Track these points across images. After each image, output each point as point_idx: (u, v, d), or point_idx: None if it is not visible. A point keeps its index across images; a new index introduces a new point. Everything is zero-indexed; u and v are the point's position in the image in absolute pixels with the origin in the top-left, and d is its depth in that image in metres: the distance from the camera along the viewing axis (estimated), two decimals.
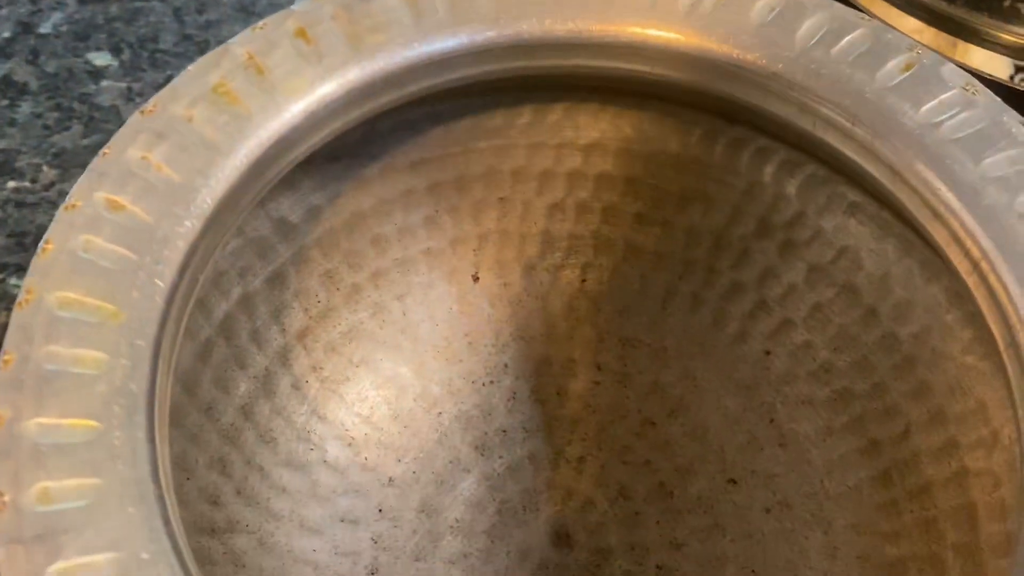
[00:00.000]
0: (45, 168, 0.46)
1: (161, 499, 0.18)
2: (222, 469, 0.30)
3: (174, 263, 0.21)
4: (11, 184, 0.45)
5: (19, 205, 0.45)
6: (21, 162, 0.46)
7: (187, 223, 0.22)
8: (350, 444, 0.34)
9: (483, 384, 0.36)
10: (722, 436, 0.34)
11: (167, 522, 0.17)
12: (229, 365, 0.31)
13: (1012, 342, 0.21)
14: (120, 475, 0.18)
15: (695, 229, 0.35)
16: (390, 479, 0.33)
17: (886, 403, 0.31)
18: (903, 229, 0.30)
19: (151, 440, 0.18)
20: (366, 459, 0.33)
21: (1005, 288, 0.21)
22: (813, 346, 0.34)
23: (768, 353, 0.35)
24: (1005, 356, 0.22)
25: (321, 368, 0.34)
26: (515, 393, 0.36)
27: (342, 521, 0.32)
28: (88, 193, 0.22)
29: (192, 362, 0.29)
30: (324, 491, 0.32)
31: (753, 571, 0.32)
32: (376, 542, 0.32)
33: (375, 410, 0.34)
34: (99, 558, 0.16)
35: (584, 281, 0.37)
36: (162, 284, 0.21)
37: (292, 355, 0.33)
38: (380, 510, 0.33)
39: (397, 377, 0.35)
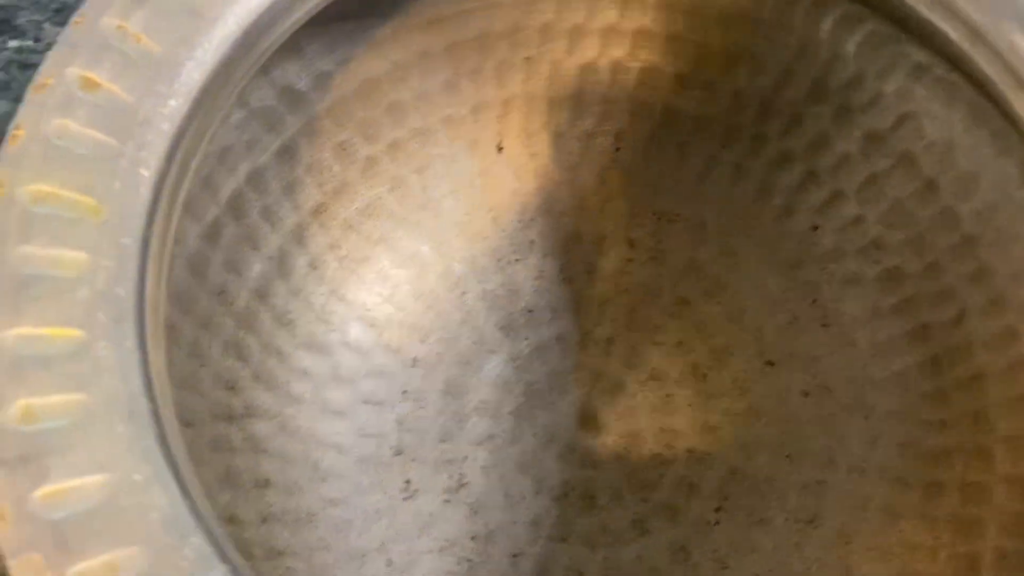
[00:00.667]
0: (47, 26, 0.43)
1: (155, 415, 0.16)
2: (238, 354, 0.29)
3: (159, 149, 0.19)
4: (12, 43, 0.43)
5: (23, 66, 0.42)
6: (21, 19, 0.43)
7: (172, 102, 0.19)
8: (372, 325, 0.32)
9: (508, 262, 0.34)
10: (761, 317, 0.32)
11: (162, 441, 0.16)
12: (240, 246, 0.29)
13: None
14: (108, 390, 0.16)
15: (741, 92, 0.32)
16: (414, 360, 0.32)
17: (940, 285, 0.29)
18: (975, 95, 0.26)
19: (141, 350, 0.17)
20: (389, 340, 0.32)
21: None
22: (864, 221, 0.31)
23: (816, 228, 0.32)
24: None
25: (339, 247, 0.32)
26: (542, 271, 0.34)
27: (365, 403, 0.31)
28: (60, 69, 0.19)
29: (200, 244, 0.27)
30: (346, 373, 0.31)
31: (788, 456, 0.30)
32: (401, 424, 0.31)
33: (396, 290, 0.33)
34: (88, 480, 0.15)
35: (618, 150, 0.34)
36: (147, 173, 0.19)
37: (307, 233, 0.31)
38: (404, 392, 0.32)
39: (418, 255, 0.33)
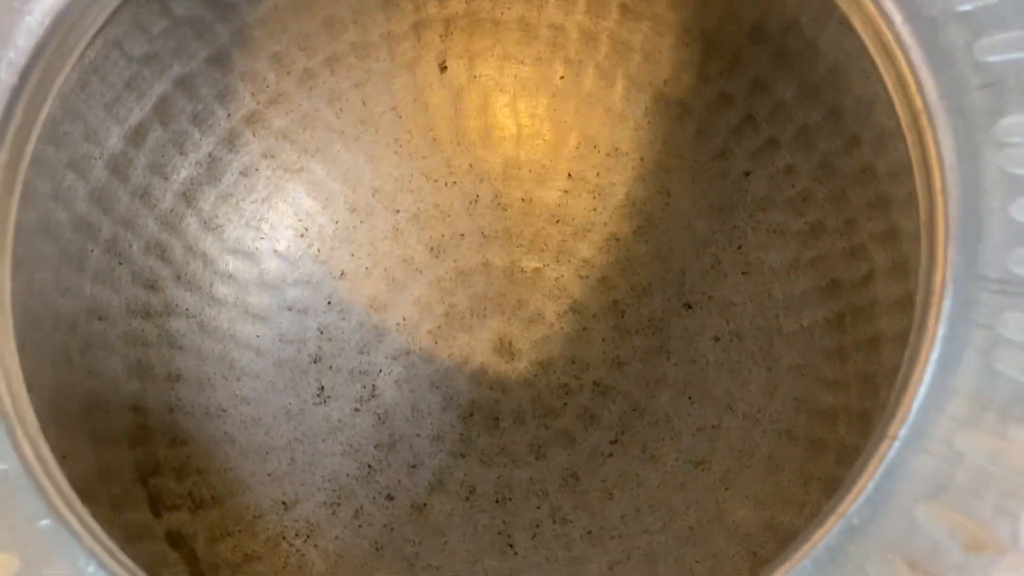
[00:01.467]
0: None
1: None
2: (160, 254, 0.30)
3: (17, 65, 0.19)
4: None
5: None
6: None
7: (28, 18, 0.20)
8: (303, 235, 0.33)
9: (445, 184, 0.34)
10: (686, 258, 0.32)
11: None
12: (167, 149, 0.30)
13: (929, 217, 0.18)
14: None
15: (687, 27, 0.31)
16: (342, 272, 0.33)
17: (854, 243, 0.28)
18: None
19: None
20: (318, 251, 0.33)
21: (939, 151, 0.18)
22: (795, 171, 0.30)
23: (748, 174, 0.31)
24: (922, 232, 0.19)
25: (273, 156, 0.32)
26: (477, 196, 0.34)
27: (289, 310, 0.32)
28: None
29: (122, 146, 0.28)
30: (273, 279, 0.32)
31: (689, 398, 0.31)
32: (322, 332, 0.32)
33: (330, 202, 0.33)
34: None
35: (562, 78, 0.34)
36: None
37: (240, 141, 0.32)
38: (329, 302, 0.33)
39: (355, 169, 0.33)
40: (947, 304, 0.19)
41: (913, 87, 0.19)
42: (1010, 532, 0.16)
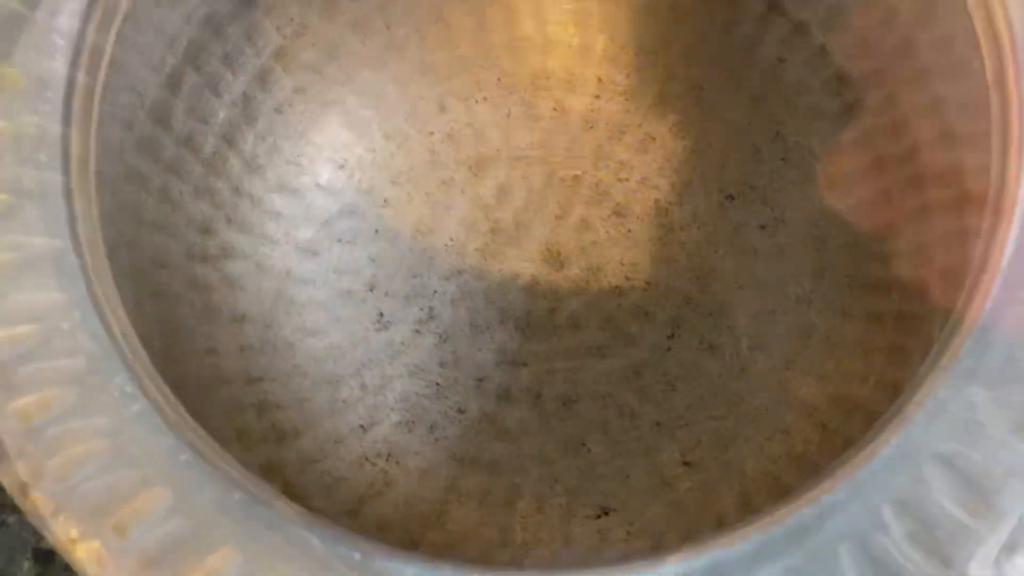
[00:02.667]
0: None
1: (83, 269, 0.18)
2: (210, 199, 0.30)
3: (76, 9, 0.19)
4: None
5: None
6: None
7: None
8: (342, 166, 0.33)
9: (475, 101, 0.34)
10: (725, 151, 0.32)
11: (90, 290, 0.18)
12: (202, 93, 0.29)
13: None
14: (37, 248, 0.18)
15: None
16: (385, 200, 0.33)
17: (895, 118, 0.28)
18: None
19: (68, 208, 0.18)
20: (360, 181, 0.33)
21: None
22: (828, 53, 0.30)
23: (781, 61, 0.31)
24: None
25: (304, 90, 0.32)
26: (510, 111, 0.34)
27: (339, 241, 0.33)
28: None
29: (160, 93, 0.28)
30: (319, 213, 0.33)
31: (740, 286, 0.31)
32: (373, 260, 0.33)
33: (365, 131, 0.33)
34: (21, 330, 0.17)
35: None
36: (62, 41, 0.19)
37: (271, 78, 0.31)
38: (376, 230, 0.33)
39: (385, 96, 0.33)
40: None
41: None
42: None
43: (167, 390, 0.18)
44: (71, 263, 0.18)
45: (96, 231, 0.19)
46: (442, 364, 0.32)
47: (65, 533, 0.16)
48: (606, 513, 0.28)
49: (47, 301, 0.17)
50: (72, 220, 0.18)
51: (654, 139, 0.33)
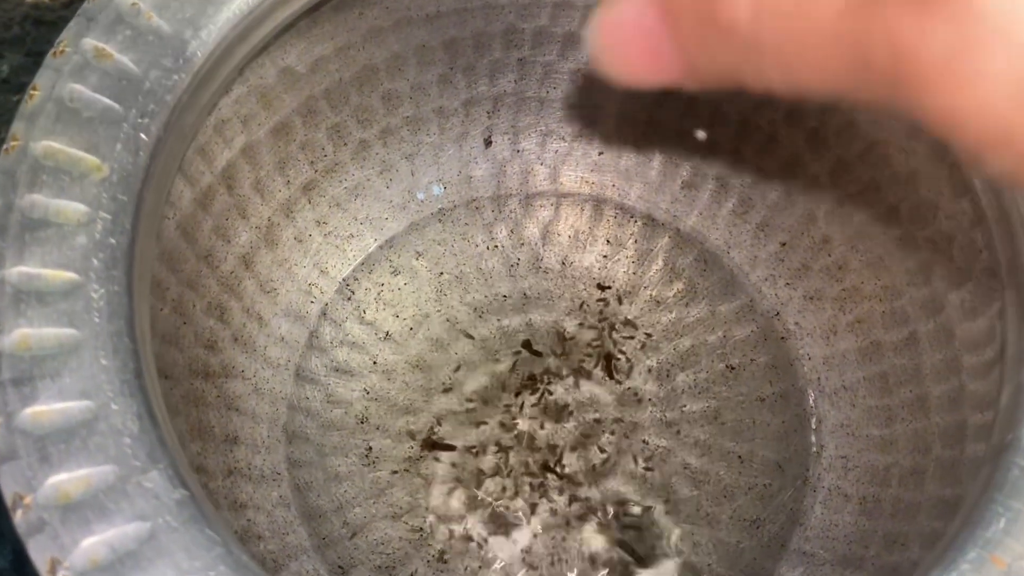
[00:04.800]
0: None
1: (135, 353, 0.19)
2: (220, 316, 0.32)
3: (161, 118, 0.22)
4: (29, 0, 0.46)
5: (37, 23, 0.45)
6: None
7: (175, 76, 0.22)
8: (349, 298, 0.35)
9: (487, 248, 0.36)
10: (728, 315, 0.35)
11: (139, 376, 0.19)
12: (230, 213, 0.32)
13: None
14: (96, 327, 0.19)
15: (721, 111, 0.35)
16: (387, 333, 0.35)
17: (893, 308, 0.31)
18: None
19: (128, 294, 0.20)
20: (364, 312, 0.35)
21: None
22: (831, 242, 0.34)
23: (784, 244, 0.35)
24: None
25: (325, 223, 0.35)
26: (519, 260, 0.36)
27: (337, 371, 0.34)
28: (76, 39, 0.22)
29: (192, 208, 0.30)
30: (322, 342, 0.34)
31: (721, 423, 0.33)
32: (368, 393, 0.34)
33: (376, 266, 0.35)
34: (72, 405, 0.18)
35: (600, 154, 0.37)
36: (147, 139, 0.21)
37: (296, 207, 0.34)
38: (375, 363, 0.34)
39: (400, 237, 0.36)
40: None
41: None
42: None
43: (195, 481, 0.19)
44: (125, 346, 0.19)
45: (146, 321, 0.21)
46: (428, 508, 0.32)
47: None
48: None
49: (100, 380, 0.18)
50: (130, 307, 0.19)
51: (658, 303, 0.36)
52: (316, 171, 0.34)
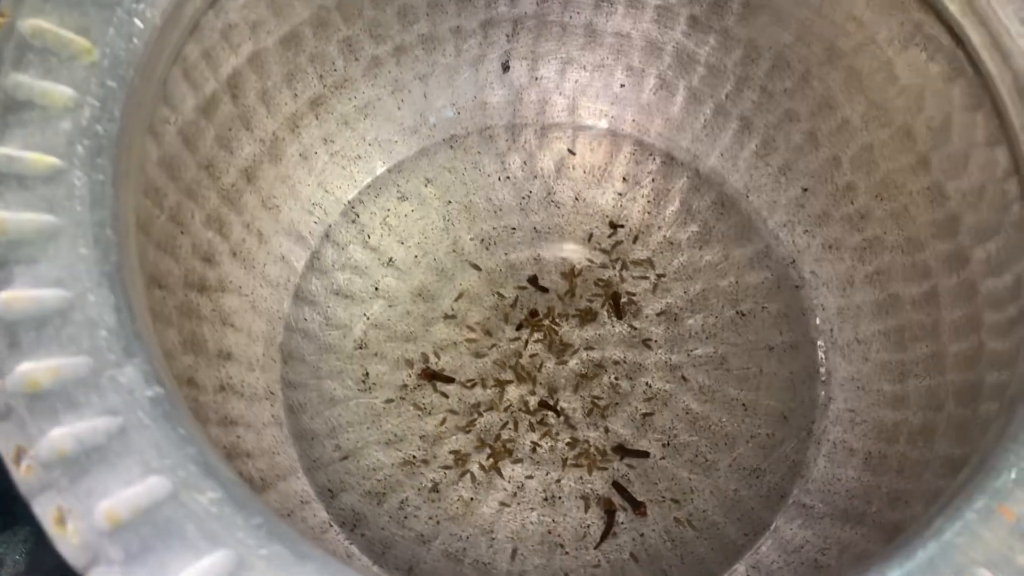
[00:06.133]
0: None
1: (118, 245, 0.18)
2: (219, 228, 0.31)
3: (160, 5, 0.21)
4: None
5: None
6: None
7: None
8: (354, 221, 0.34)
9: (499, 179, 0.35)
10: (741, 265, 0.34)
11: (119, 269, 0.18)
12: (234, 124, 0.31)
13: None
14: (76, 216, 0.18)
15: (755, 45, 0.33)
16: (391, 260, 0.34)
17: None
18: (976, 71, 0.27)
19: (114, 185, 0.19)
20: (369, 237, 0.34)
21: None
22: (855, 189, 0.32)
23: (805, 190, 0.34)
24: None
25: (332, 141, 0.34)
26: (531, 193, 0.35)
27: (337, 295, 0.33)
28: None
29: (194, 115, 0.29)
30: (323, 264, 0.33)
31: (727, 369, 0.32)
32: (368, 318, 0.33)
33: (383, 190, 0.34)
34: (46, 293, 0.17)
35: (623, 87, 0.36)
36: (142, 25, 0.20)
37: (303, 123, 0.33)
38: (376, 288, 0.34)
39: (409, 161, 0.35)
40: None
41: None
42: None
43: (171, 381, 0.18)
44: (107, 237, 0.18)
45: (131, 215, 0.20)
46: (423, 437, 0.32)
47: (50, 512, 0.16)
48: None
49: (78, 269, 0.18)
50: (115, 198, 0.19)
51: (672, 243, 0.35)
52: (325, 86, 0.33)
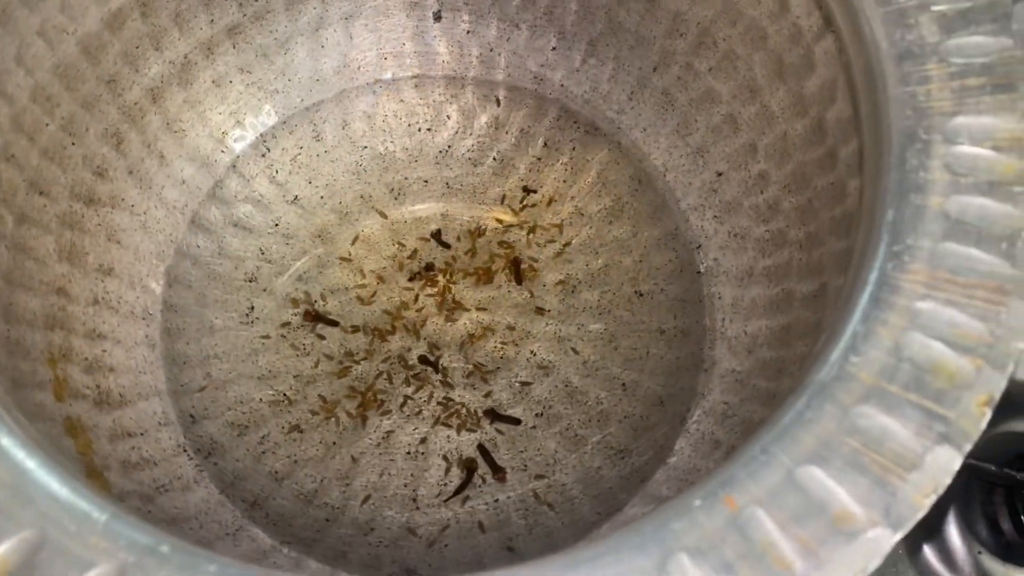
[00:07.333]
0: None
1: None
2: (116, 145, 0.31)
3: None
4: None
5: None
6: None
7: None
8: (264, 155, 0.34)
9: (419, 129, 0.35)
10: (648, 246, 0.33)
11: None
12: (142, 42, 0.31)
13: None
14: None
15: (682, 18, 0.32)
16: (296, 197, 0.34)
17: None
18: None
19: None
20: (276, 172, 0.34)
21: None
22: (767, 178, 0.31)
23: (720, 175, 0.33)
24: None
25: (249, 71, 0.34)
26: (448, 148, 0.35)
27: (235, 226, 0.33)
28: None
29: (98, 28, 0.29)
30: (225, 193, 0.33)
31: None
32: (263, 253, 0.33)
33: (298, 128, 0.34)
34: None
35: (554, 49, 0.35)
36: None
37: (218, 50, 0.33)
38: (276, 224, 0.33)
39: (328, 102, 0.34)
40: None
41: None
42: None
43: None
44: None
45: None
46: (296, 376, 0.32)
47: None
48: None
49: None
50: None
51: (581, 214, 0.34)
52: (245, 15, 0.33)
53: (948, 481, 0.16)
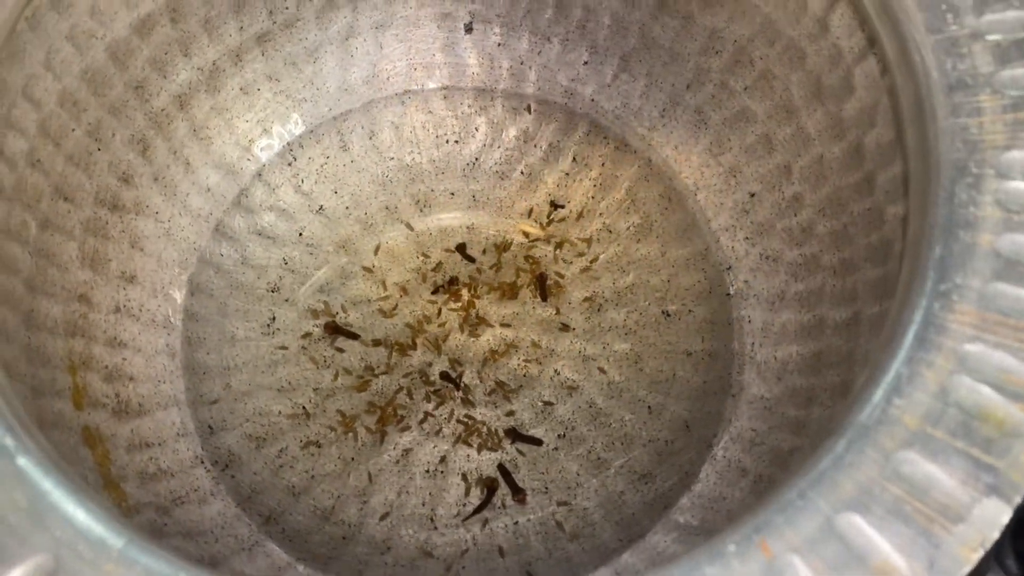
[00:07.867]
0: None
1: None
2: (143, 151, 0.31)
3: None
4: None
5: None
6: None
7: None
8: (290, 164, 0.34)
9: (446, 141, 0.34)
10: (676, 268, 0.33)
11: None
12: (171, 48, 0.30)
13: None
14: None
15: (718, 35, 0.31)
16: (321, 207, 0.33)
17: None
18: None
19: None
20: (302, 181, 0.34)
21: None
22: (802, 200, 0.30)
23: (752, 195, 0.32)
24: None
25: (278, 80, 0.33)
26: (476, 160, 0.34)
27: (259, 235, 0.33)
28: None
29: (127, 33, 0.29)
30: (251, 202, 0.33)
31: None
32: (286, 263, 0.33)
33: (326, 137, 0.34)
34: None
35: (586, 63, 0.34)
36: None
37: (247, 57, 0.32)
38: (300, 234, 0.33)
39: (356, 112, 0.34)
40: None
41: None
42: None
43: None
44: None
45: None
46: (316, 390, 0.31)
47: None
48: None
49: None
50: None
51: (611, 230, 0.33)
52: (275, 23, 0.32)
53: (996, 535, 0.16)
